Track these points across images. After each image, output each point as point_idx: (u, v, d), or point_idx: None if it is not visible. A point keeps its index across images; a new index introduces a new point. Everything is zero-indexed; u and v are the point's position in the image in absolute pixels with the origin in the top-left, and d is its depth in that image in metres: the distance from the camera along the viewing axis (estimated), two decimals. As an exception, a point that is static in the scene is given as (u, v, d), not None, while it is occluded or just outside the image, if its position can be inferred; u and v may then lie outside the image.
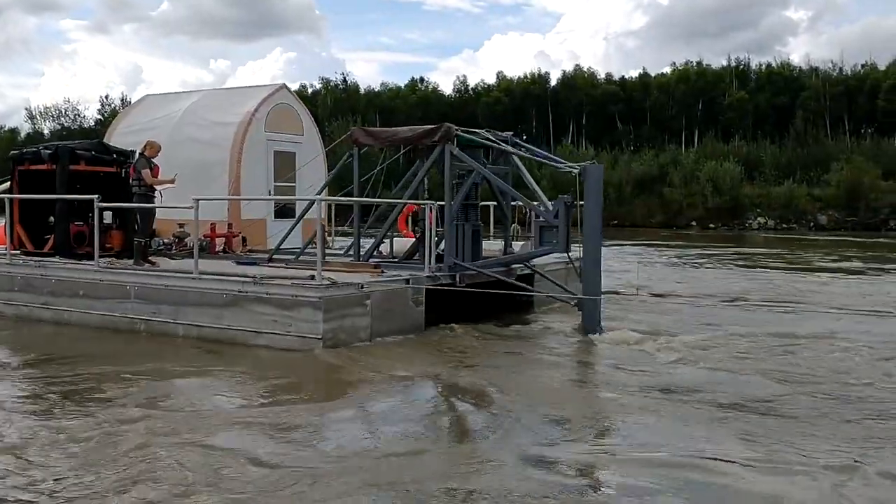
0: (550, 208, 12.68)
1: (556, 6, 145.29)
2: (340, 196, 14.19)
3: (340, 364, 10.12)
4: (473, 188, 13.26)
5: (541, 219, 12.69)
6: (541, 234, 12.75)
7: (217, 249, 15.70)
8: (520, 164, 13.77)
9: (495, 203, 14.60)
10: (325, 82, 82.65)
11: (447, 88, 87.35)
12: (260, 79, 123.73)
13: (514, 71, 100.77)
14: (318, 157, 17.47)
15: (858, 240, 41.23)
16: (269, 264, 13.31)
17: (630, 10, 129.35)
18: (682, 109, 75.82)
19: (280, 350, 10.76)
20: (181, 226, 15.88)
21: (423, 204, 12.39)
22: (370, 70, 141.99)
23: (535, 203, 12.96)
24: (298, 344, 10.69)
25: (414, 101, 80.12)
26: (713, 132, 70.21)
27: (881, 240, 42.18)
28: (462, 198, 12.90)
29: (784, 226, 54.43)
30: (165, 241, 15.90)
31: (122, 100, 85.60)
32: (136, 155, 13.04)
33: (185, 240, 15.94)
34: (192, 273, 11.62)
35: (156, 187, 12.96)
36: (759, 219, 54.95)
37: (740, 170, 55.87)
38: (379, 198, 15.30)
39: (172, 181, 12.94)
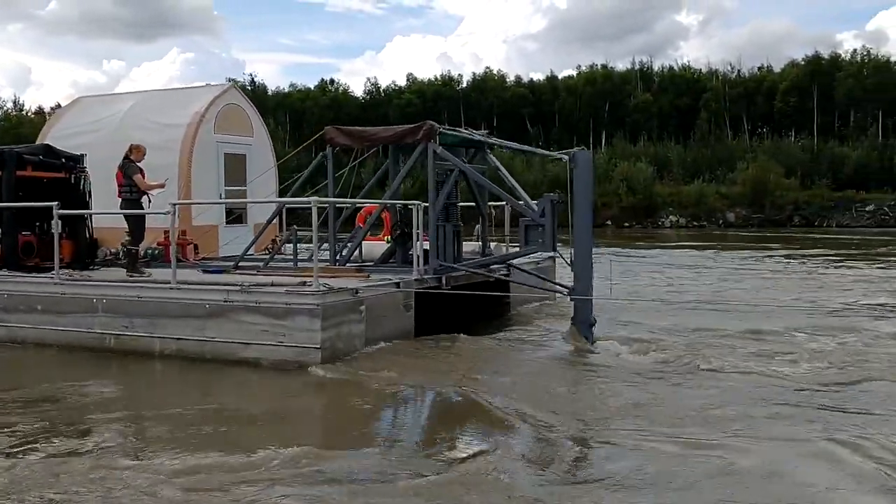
0: (535, 207, 12.40)
1: (457, 9, 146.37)
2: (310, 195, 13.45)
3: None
4: (454, 187, 12.82)
5: (526, 217, 12.37)
6: (526, 233, 12.37)
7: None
8: (498, 163, 13.45)
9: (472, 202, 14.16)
10: (233, 83, 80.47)
11: (357, 90, 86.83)
12: (156, 80, 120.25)
13: (420, 73, 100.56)
14: (270, 161, 16.76)
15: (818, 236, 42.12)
16: (238, 272, 12.58)
17: (529, 14, 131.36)
18: (590, 111, 77.05)
19: (272, 362, 10.10)
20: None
21: (410, 204, 11.86)
22: (271, 71, 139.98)
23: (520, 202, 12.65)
24: (293, 355, 10.04)
25: (325, 102, 79.15)
26: (621, 133, 71.56)
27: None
28: (444, 197, 12.44)
29: (695, 223, 55.84)
30: (112, 250, 14.93)
31: (15, 102, 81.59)
32: (122, 160, 12.13)
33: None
34: (169, 283, 10.81)
35: (148, 192, 12.14)
36: (671, 217, 56.20)
37: (653, 170, 57.07)
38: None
39: (163, 185, 12.15)
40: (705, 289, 17.76)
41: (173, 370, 10.45)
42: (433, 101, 79.26)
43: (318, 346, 9.94)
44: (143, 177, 12.18)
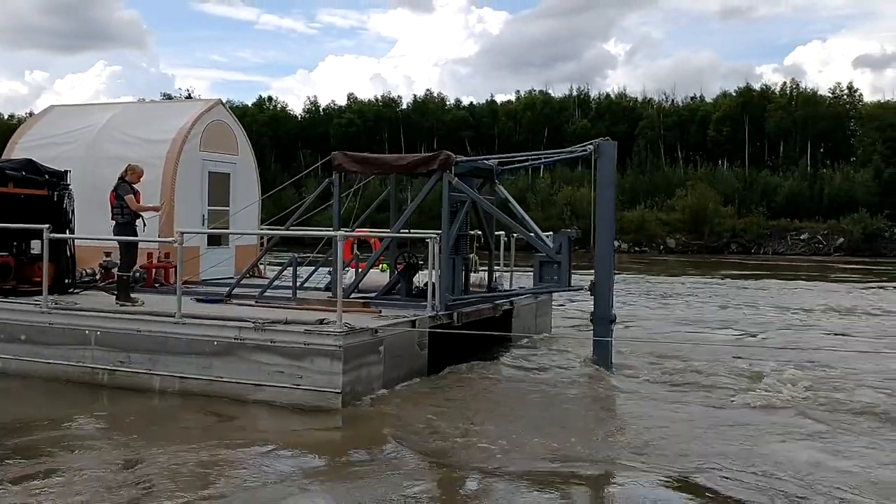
0: (550, 244, 12.10)
1: (390, 31, 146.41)
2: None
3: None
4: (465, 219, 12.35)
5: (541, 253, 12.03)
6: (541, 270, 12.05)
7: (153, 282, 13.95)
8: (507, 194, 13.07)
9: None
10: (167, 98, 78.70)
11: (296, 108, 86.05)
12: (81, 93, 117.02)
13: (354, 93, 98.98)
14: (254, 181, 16.03)
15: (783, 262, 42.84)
16: (232, 301, 11.88)
17: (462, 39, 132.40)
18: (529, 136, 77.40)
19: (286, 405, 9.43)
20: (108, 255, 14.00)
21: (427, 236, 11.32)
22: (201, 87, 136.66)
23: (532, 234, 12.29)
24: (311, 398, 9.38)
25: (264, 119, 77.93)
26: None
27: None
28: (457, 229, 11.97)
29: (637, 249, 56.35)
30: (89, 270, 14.01)
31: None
32: (117, 180, 11.33)
33: (113, 270, 14.09)
34: (173, 316, 10.05)
35: (142, 214, 11.34)
36: (614, 242, 56.55)
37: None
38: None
39: (158, 209, 11.36)
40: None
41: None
42: (374, 121, 78.81)
43: (339, 391, 9.32)
44: (139, 199, 11.41)
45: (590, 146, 11.82)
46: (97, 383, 10.34)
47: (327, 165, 12.53)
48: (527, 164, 14.04)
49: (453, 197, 11.96)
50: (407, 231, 12.64)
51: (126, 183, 11.36)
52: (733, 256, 53.83)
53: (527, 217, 12.55)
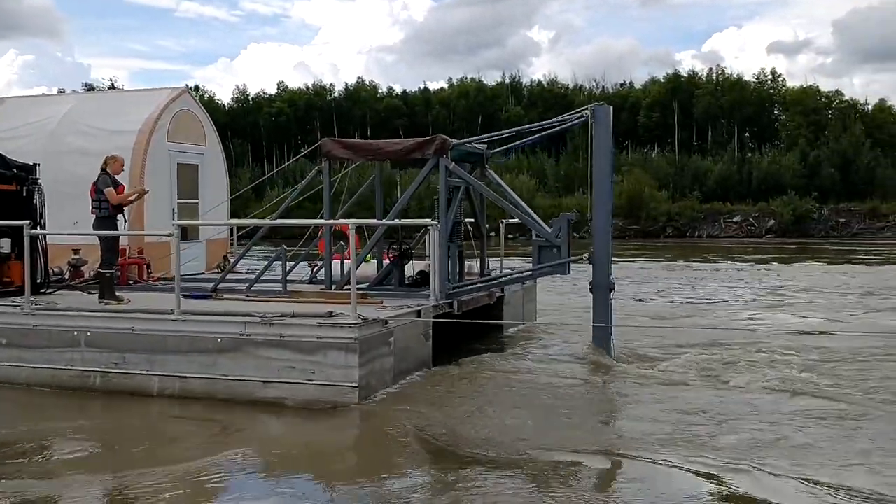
0: (546, 227, 11.87)
1: (314, 19, 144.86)
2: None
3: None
4: (459, 205, 12.04)
5: (539, 237, 11.80)
6: (539, 254, 11.80)
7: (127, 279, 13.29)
8: (500, 180, 12.82)
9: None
10: (88, 89, 76.22)
11: (224, 97, 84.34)
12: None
13: (278, 81, 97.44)
14: (222, 172, 15.42)
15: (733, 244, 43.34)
16: (221, 296, 11.36)
17: (387, 26, 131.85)
18: (464, 124, 77.35)
19: (300, 402, 9.00)
20: (76, 252, 13.31)
21: (427, 224, 10.98)
22: (122, 77, 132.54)
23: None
24: (326, 394, 8.97)
25: (192, 110, 76.43)
26: (495, 146, 72.04)
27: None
28: (453, 215, 11.66)
29: (576, 234, 56.51)
30: (56, 269, 13.26)
31: None
32: (99, 172, 10.67)
33: (82, 268, 13.40)
34: (171, 313, 9.50)
35: (124, 206, 10.70)
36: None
37: (535, 182, 57.67)
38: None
39: (142, 193, 10.81)
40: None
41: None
42: (304, 110, 77.72)
43: (356, 385, 8.93)
44: (122, 192, 10.79)
45: (586, 112, 11.51)
46: (88, 387, 9.72)
47: (315, 153, 12.09)
48: (518, 142, 13.68)
49: (447, 183, 11.65)
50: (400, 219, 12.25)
51: (107, 175, 10.75)
52: (669, 240, 54.61)
53: (521, 201, 12.28)
